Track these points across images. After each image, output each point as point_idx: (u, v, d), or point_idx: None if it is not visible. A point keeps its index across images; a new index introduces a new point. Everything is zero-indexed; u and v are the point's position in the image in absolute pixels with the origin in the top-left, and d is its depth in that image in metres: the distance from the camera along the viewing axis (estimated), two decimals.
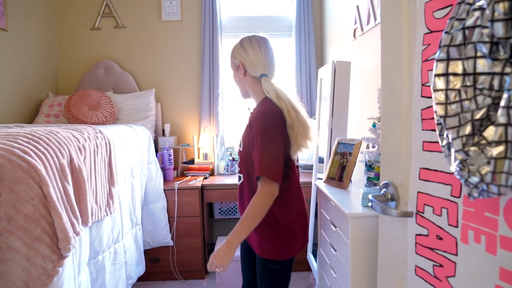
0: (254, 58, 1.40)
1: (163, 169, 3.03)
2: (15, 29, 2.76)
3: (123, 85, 3.31)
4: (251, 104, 1.53)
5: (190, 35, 3.40)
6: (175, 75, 3.44)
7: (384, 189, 1.07)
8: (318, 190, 1.88)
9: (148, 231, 2.74)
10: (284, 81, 3.53)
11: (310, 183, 2.73)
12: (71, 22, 3.35)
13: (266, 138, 1.31)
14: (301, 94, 3.39)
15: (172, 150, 3.10)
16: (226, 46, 3.47)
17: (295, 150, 1.36)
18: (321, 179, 2.43)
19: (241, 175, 1.47)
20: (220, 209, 3.27)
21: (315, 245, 2.56)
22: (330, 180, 1.79)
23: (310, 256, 2.49)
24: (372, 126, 1.75)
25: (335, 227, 1.59)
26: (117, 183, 2.12)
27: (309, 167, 3.34)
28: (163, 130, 3.32)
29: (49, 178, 1.36)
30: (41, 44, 3.13)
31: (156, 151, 3.09)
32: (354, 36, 2.56)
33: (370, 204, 1.03)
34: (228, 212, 3.26)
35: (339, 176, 1.73)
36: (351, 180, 1.75)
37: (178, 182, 2.92)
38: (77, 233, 1.47)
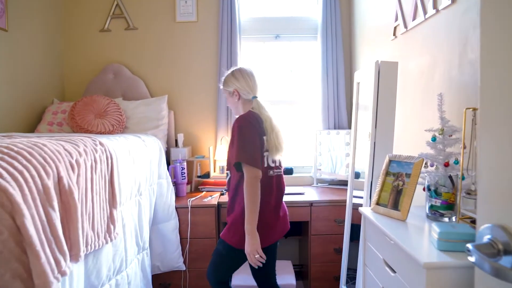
0: (245, 85, 1.78)
1: (175, 184, 2.74)
2: (16, 29, 2.52)
3: (133, 91, 3.05)
4: None
5: (207, 37, 3.14)
6: (189, 81, 3.16)
7: (489, 236, 0.73)
8: (365, 219, 1.52)
9: (157, 254, 2.43)
10: (309, 87, 3.22)
11: (343, 201, 2.35)
12: (78, 23, 3.12)
13: (242, 133, 1.64)
14: (328, 102, 3.06)
15: (185, 163, 2.81)
16: (245, 49, 3.19)
17: (266, 149, 1.69)
18: (359, 197, 2.06)
19: (228, 172, 1.80)
20: None
21: (352, 270, 2.21)
22: (380, 207, 1.43)
23: None
24: (432, 140, 1.41)
25: (393, 271, 1.23)
26: (121, 203, 1.82)
27: (336, 183, 2.99)
28: (176, 141, 3.03)
29: (26, 205, 1.06)
30: (46, 46, 2.89)
31: (168, 164, 2.80)
32: (394, 34, 2.24)
33: (472, 259, 0.70)
34: None
35: (394, 202, 1.38)
36: None
37: (191, 199, 2.61)
38: (63, 273, 1.17)
